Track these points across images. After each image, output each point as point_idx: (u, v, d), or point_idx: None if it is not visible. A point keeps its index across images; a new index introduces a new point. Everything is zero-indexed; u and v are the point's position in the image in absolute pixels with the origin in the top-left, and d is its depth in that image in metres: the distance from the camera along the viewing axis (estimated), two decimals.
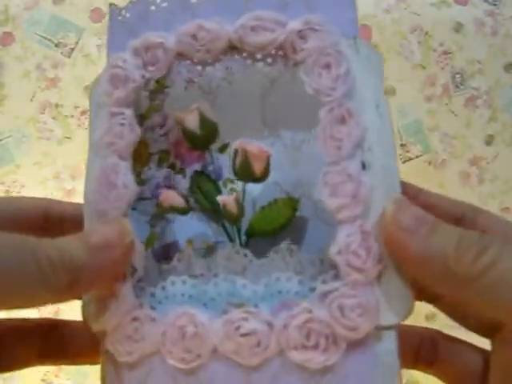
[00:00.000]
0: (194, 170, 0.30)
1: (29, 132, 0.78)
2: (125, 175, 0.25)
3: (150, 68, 0.27)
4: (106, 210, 0.25)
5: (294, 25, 0.25)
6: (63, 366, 0.69)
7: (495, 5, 0.83)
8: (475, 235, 0.22)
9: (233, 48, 0.26)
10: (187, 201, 0.29)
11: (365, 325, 0.22)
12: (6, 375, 0.69)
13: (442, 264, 0.21)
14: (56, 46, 0.80)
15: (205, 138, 0.29)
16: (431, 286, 0.23)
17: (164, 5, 0.27)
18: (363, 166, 0.24)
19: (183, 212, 0.29)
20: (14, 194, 0.77)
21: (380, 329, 0.23)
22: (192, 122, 0.28)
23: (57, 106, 0.79)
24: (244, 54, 0.27)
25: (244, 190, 0.29)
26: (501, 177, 0.81)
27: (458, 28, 0.83)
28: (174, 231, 0.29)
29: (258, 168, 0.28)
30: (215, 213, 0.29)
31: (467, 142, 0.82)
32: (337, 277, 0.23)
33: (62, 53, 0.79)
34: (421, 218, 0.22)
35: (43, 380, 0.70)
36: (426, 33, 0.82)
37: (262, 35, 0.25)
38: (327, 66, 0.25)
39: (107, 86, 0.26)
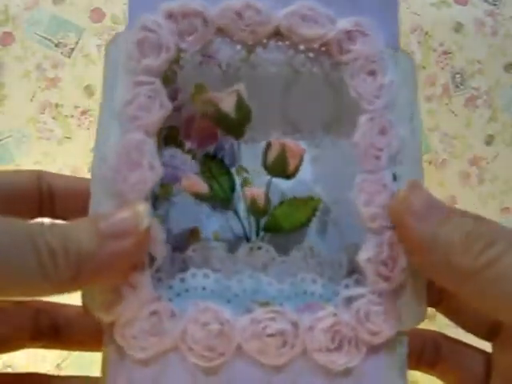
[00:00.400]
0: (204, 152, 0.28)
1: (29, 132, 0.78)
2: (151, 155, 0.23)
3: (187, 38, 0.24)
4: (123, 191, 0.22)
5: (344, 24, 0.24)
6: (63, 366, 0.69)
7: (495, 5, 0.83)
8: (485, 228, 0.21)
9: (277, 34, 0.25)
10: (211, 187, 0.27)
11: (387, 330, 0.23)
12: None
13: (446, 254, 0.21)
14: (56, 46, 0.79)
15: (238, 122, 0.27)
16: (432, 277, 0.23)
17: None
18: (394, 178, 0.24)
19: (208, 199, 0.27)
20: None
21: (397, 333, 0.24)
22: (228, 104, 0.27)
23: (57, 105, 0.79)
24: (287, 43, 0.25)
25: (269, 185, 0.28)
26: (501, 177, 0.81)
27: (458, 28, 0.83)
28: (179, 216, 0.28)
29: (292, 164, 0.27)
30: (226, 202, 0.28)
31: (467, 142, 0.82)
32: (359, 282, 0.24)
33: (62, 53, 0.79)
34: (433, 205, 0.22)
35: None
36: (426, 33, 0.82)
37: (313, 28, 0.24)
38: (373, 73, 0.24)
39: (134, 50, 0.23)
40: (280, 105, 0.29)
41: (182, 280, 0.24)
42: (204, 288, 0.24)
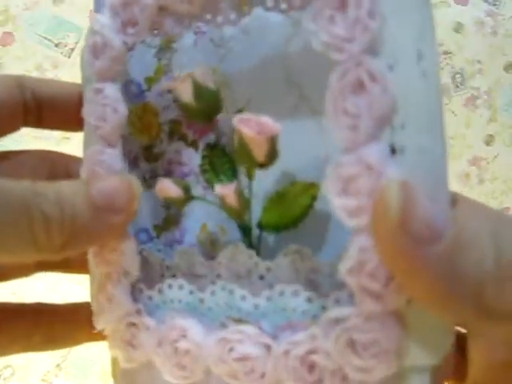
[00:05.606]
0: (206, 142, 0.25)
1: (27, 132, 0.78)
2: (110, 166, 0.22)
3: (130, 30, 0.22)
4: None
5: None
6: (63, 366, 0.69)
7: (495, 5, 0.83)
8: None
9: None
10: (186, 189, 0.24)
11: (380, 368, 0.17)
12: (6, 375, 0.69)
13: (475, 295, 0.15)
14: (56, 46, 0.79)
15: (204, 110, 0.23)
16: (455, 321, 0.17)
17: None
18: (393, 151, 0.16)
19: (181, 203, 0.24)
20: None
21: (410, 369, 0.17)
22: (185, 92, 0.23)
23: None
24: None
25: (251, 176, 0.22)
26: (501, 177, 0.81)
27: (458, 28, 0.83)
28: (189, 214, 0.25)
29: (258, 154, 0.21)
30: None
31: (467, 142, 0.82)
32: (353, 297, 0.17)
33: (61, 53, 0.79)
34: (438, 222, 0.15)
35: (43, 380, 0.70)
36: None
37: None
38: (342, 6, 0.16)
39: (88, 56, 0.22)
40: (282, 68, 0.23)
41: (160, 291, 0.22)
42: (180, 301, 0.21)
